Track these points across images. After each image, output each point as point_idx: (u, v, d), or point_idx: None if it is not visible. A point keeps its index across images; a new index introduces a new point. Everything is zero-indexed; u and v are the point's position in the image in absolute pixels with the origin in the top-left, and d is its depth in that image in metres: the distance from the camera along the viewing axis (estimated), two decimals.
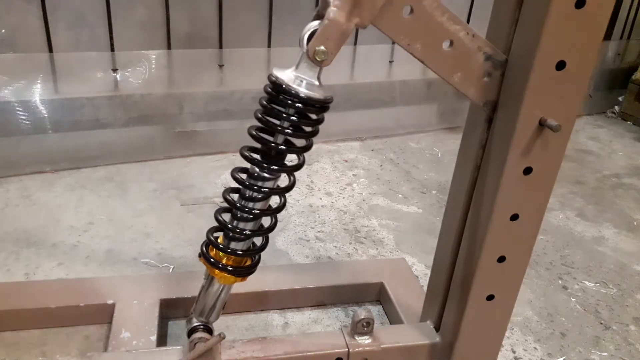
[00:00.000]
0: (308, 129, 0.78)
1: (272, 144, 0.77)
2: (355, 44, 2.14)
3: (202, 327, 0.91)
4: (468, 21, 2.30)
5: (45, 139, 1.68)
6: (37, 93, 1.65)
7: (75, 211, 1.54)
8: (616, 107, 2.86)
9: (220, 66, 1.93)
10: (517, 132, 0.75)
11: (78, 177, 1.72)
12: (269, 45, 1.98)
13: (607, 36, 2.70)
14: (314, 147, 0.81)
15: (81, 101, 1.69)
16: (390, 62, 2.25)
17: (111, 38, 1.73)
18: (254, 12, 1.92)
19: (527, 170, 0.79)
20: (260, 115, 0.76)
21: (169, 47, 1.83)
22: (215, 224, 0.85)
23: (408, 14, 0.71)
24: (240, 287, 0.90)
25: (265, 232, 0.85)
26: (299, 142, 0.79)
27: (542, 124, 0.75)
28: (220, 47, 1.90)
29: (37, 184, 1.65)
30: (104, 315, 1.11)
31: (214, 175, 1.81)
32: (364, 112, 2.18)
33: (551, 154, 0.78)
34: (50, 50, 1.68)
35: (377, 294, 1.28)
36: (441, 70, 0.75)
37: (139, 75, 1.79)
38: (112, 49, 1.75)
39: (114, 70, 1.77)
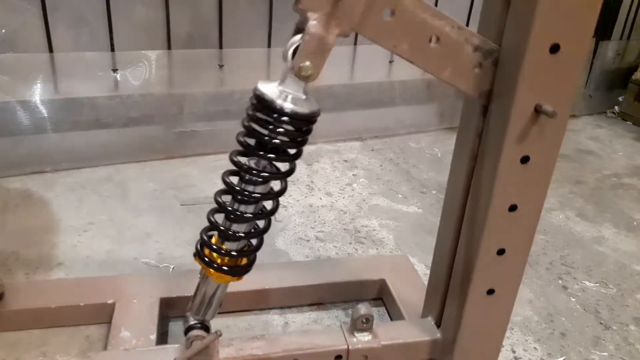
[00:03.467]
0: (296, 139, 0.76)
1: (261, 154, 0.76)
2: (355, 44, 2.15)
3: (198, 325, 0.91)
4: (469, 17, 2.30)
5: (45, 139, 1.68)
6: (37, 93, 1.65)
7: (75, 211, 1.54)
8: (616, 107, 2.86)
9: (220, 66, 1.93)
10: (513, 119, 0.75)
11: (78, 177, 1.72)
12: (269, 45, 1.98)
13: (607, 36, 2.70)
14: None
15: (81, 101, 1.69)
16: (390, 62, 2.25)
17: (111, 38, 1.73)
18: (254, 12, 1.92)
19: (525, 159, 0.78)
20: (247, 124, 0.75)
21: (169, 47, 1.83)
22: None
23: (390, 16, 0.70)
24: (239, 285, 0.90)
25: (259, 233, 0.84)
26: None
27: (537, 110, 0.74)
28: (221, 47, 1.90)
29: (37, 184, 1.65)
30: (104, 314, 1.11)
31: (214, 175, 1.80)
32: (364, 112, 2.18)
33: (548, 141, 0.78)
34: (50, 50, 1.68)
35: (379, 291, 1.27)
36: (431, 67, 0.75)
37: (139, 75, 1.79)
38: (112, 49, 1.75)
39: (114, 70, 1.78)
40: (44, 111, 1.65)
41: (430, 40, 0.73)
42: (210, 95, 1.87)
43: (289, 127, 0.73)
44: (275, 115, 0.71)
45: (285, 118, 0.71)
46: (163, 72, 1.85)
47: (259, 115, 0.73)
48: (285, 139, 0.74)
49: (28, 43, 1.65)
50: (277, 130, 0.73)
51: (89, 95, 1.70)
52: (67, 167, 1.74)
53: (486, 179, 0.82)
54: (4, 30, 1.60)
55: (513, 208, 0.82)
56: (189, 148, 1.90)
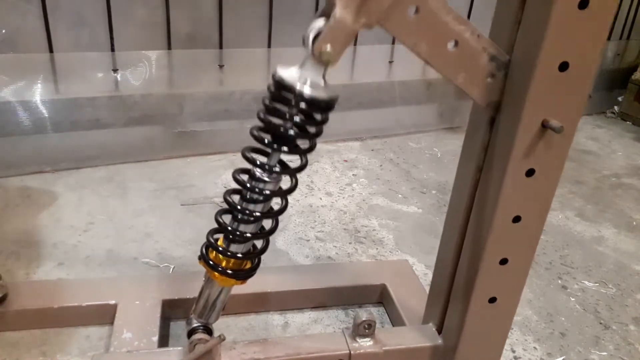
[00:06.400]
0: (312, 129, 0.76)
1: (275, 146, 0.75)
2: (355, 44, 2.14)
3: (201, 328, 0.91)
4: (468, 17, 2.29)
5: (46, 139, 1.68)
6: (38, 93, 1.65)
7: (75, 211, 1.54)
8: (616, 107, 2.86)
9: (221, 66, 1.93)
10: (520, 133, 0.75)
11: (78, 177, 1.72)
12: (269, 46, 1.98)
13: (607, 36, 2.70)
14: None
15: (81, 101, 1.69)
16: (390, 62, 2.25)
17: (111, 38, 1.73)
18: (254, 12, 1.92)
19: (530, 172, 0.79)
20: (262, 115, 0.75)
21: (169, 47, 1.83)
22: (216, 225, 0.84)
23: (414, 13, 0.70)
24: (241, 288, 0.90)
25: (266, 234, 0.84)
26: (302, 143, 0.78)
27: (544, 126, 0.75)
28: (221, 47, 1.90)
29: (37, 184, 1.65)
30: (105, 315, 1.11)
31: (214, 175, 1.81)
32: (364, 112, 2.18)
33: (554, 155, 0.78)
34: (51, 50, 1.67)
35: (379, 296, 1.27)
36: (446, 70, 0.75)
37: (139, 75, 1.79)
38: (113, 49, 1.75)
39: (115, 70, 1.77)
40: (44, 111, 1.65)
41: (449, 44, 0.73)
42: (210, 95, 1.87)
43: (307, 112, 0.72)
44: (294, 99, 0.70)
45: (304, 102, 0.70)
46: (163, 72, 1.85)
47: (276, 103, 0.72)
48: (302, 125, 0.73)
49: (28, 43, 1.65)
50: (295, 116, 0.71)
51: (89, 95, 1.70)
52: (67, 167, 1.74)
53: (491, 190, 0.82)
54: (4, 31, 1.59)
55: (517, 219, 0.82)
56: (189, 148, 1.90)
